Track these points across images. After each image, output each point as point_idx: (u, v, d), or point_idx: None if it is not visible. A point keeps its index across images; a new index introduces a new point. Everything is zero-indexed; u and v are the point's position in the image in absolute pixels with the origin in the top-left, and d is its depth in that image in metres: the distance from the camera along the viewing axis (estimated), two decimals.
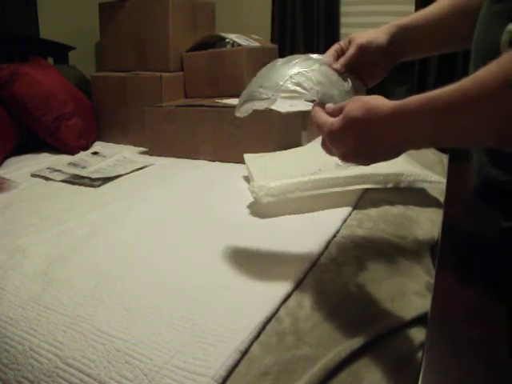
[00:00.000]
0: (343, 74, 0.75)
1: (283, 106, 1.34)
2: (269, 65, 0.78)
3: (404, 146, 0.55)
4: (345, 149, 0.60)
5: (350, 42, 0.77)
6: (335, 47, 0.79)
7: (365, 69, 0.78)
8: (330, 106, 0.65)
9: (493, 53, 0.47)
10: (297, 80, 0.70)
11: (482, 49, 0.59)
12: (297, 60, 0.74)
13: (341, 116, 0.59)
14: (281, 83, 0.70)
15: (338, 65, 0.76)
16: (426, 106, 0.50)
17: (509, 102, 0.43)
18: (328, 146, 0.63)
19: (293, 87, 0.69)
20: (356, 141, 0.58)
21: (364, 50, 0.76)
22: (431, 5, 0.77)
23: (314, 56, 0.77)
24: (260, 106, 0.74)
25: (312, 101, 0.70)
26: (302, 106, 1.36)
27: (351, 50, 0.76)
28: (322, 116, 0.63)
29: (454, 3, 0.74)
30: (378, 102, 0.56)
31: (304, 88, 0.69)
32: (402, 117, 0.53)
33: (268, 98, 0.71)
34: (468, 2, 0.73)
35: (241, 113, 0.77)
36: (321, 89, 0.69)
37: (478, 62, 0.60)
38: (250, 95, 0.74)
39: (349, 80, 0.75)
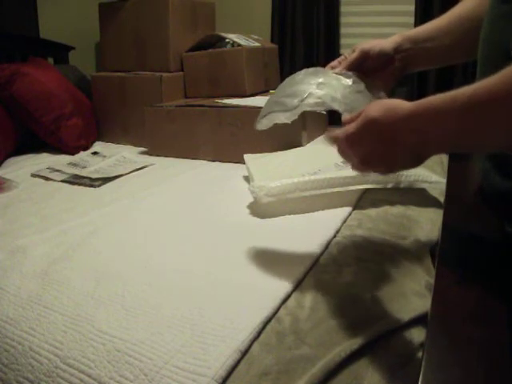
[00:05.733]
0: (370, 84, 0.74)
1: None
2: (288, 78, 0.76)
3: (425, 149, 0.53)
4: (364, 151, 0.57)
5: (354, 51, 0.78)
6: (340, 58, 0.80)
7: (370, 76, 0.78)
8: (346, 116, 0.62)
9: (502, 53, 0.47)
10: (323, 90, 0.67)
11: (490, 49, 0.59)
12: (319, 72, 0.73)
13: (359, 118, 0.57)
14: (308, 91, 0.66)
15: (339, 68, 0.77)
16: (448, 103, 0.48)
17: None
18: (346, 153, 0.60)
19: (320, 95, 0.66)
20: (375, 143, 0.56)
21: (367, 55, 0.77)
22: (440, 16, 0.77)
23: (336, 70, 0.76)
24: (282, 118, 0.70)
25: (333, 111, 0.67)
26: None
27: (354, 55, 0.77)
28: (336, 129, 0.61)
29: (463, 15, 0.74)
30: (398, 102, 0.55)
31: (331, 97, 0.66)
32: (422, 115, 0.51)
33: (294, 108, 0.66)
34: (477, 14, 0.73)
35: (261, 125, 0.74)
36: (346, 101, 0.67)
37: (486, 62, 0.60)
38: (274, 105, 0.70)
39: (373, 92, 0.73)
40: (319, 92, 0.66)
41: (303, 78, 0.72)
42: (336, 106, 0.66)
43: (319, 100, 0.66)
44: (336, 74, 0.73)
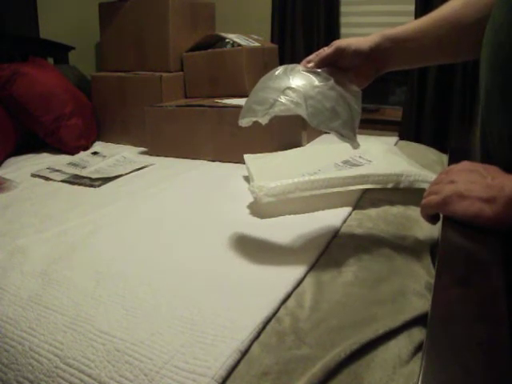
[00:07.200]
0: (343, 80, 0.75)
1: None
2: (268, 74, 0.79)
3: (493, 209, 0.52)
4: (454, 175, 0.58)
5: (331, 46, 0.78)
6: (318, 52, 0.79)
7: (345, 71, 0.78)
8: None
9: None
10: (289, 96, 0.71)
11: (503, 53, 0.58)
12: (293, 72, 0.75)
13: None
14: (273, 99, 0.72)
15: (311, 64, 0.77)
16: None
17: None
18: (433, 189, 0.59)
19: (285, 102, 0.71)
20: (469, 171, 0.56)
21: (342, 53, 0.76)
22: (422, 17, 0.77)
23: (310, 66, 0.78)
24: (257, 119, 0.76)
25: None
26: None
27: (328, 50, 0.77)
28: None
29: (447, 17, 0.74)
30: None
31: (295, 103, 0.71)
32: None
33: (263, 115, 0.73)
34: (461, 18, 0.72)
35: (242, 124, 0.80)
36: (311, 103, 0.71)
37: (497, 66, 0.59)
38: (248, 110, 0.76)
39: (344, 90, 0.74)
40: (284, 99, 0.71)
41: (276, 79, 0.75)
42: (300, 112, 0.71)
43: (284, 107, 0.71)
44: (307, 72, 0.75)
